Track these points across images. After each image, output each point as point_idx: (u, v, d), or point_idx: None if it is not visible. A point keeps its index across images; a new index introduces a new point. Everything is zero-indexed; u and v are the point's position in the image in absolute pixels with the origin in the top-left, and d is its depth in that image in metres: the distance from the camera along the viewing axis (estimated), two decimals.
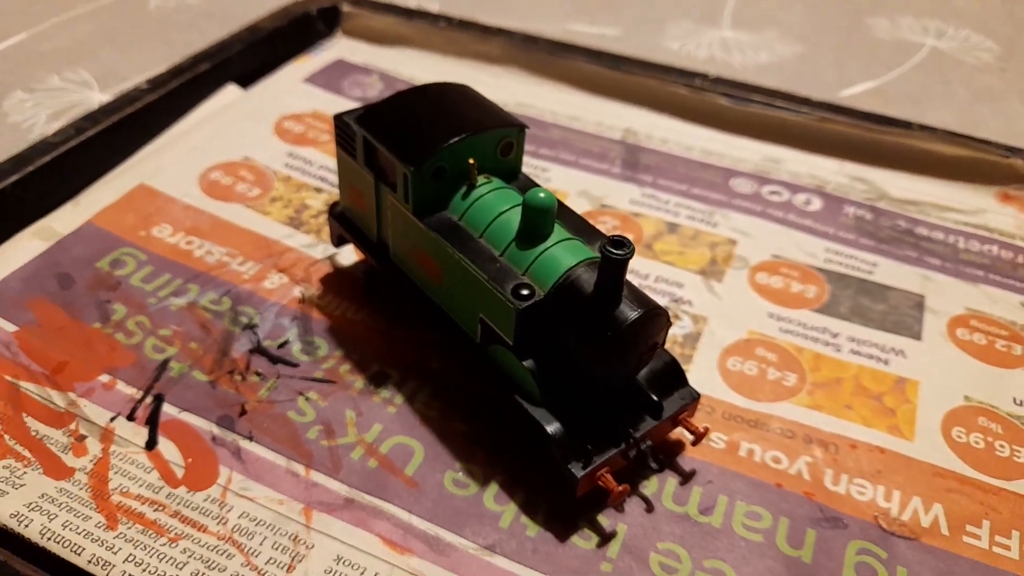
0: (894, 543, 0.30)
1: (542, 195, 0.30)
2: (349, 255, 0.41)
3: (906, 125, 0.49)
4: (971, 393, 0.36)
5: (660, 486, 0.32)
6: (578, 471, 0.29)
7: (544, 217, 0.30)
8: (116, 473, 0.31)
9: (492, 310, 0.30)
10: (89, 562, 0.28)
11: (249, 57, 0.54)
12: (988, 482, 0.32)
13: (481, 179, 0.33)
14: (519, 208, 0.32)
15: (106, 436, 0.32)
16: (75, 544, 0.28)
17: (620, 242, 0.27)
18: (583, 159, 0.49)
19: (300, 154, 0.48)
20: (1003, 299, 0.41)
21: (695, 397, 0.32)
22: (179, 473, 0.31)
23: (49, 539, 0.28)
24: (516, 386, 0.31)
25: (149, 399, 0.33)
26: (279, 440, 0.32)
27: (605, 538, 0.30)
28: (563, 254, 0.30)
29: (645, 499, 0.31)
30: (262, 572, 0.28)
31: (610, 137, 0.51)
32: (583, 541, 0.30)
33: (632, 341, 0.29)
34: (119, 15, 0.63)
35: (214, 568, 0.28)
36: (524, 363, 0.30)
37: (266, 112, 0.51)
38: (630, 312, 0.28)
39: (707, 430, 0.32)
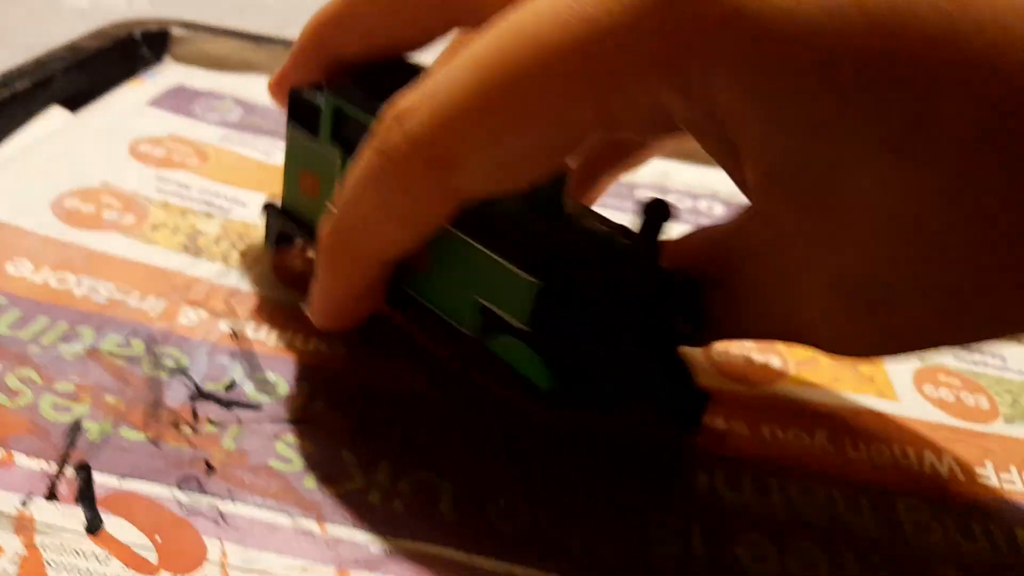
0: None
1: None
2: (274, 281, 0.34)
3: None
4: None
5: None
6: None
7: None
8: (56, 570, 0.21)
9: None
10: None
11: (73, 78, 0.45)
12: None
13: None
14: None
15: (23, 525, 0.22)
16: None
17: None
18: None
19: (172, 178, 0.40)
20: None
21: None
22: (150, 557, 0.22)
23: None
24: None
25: (69, 471, 0.24)
26: (271, 495, 0.25)
27: None
28: None
29: None
30: None
31: None
32: None
33: None
34: None
35: None
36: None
37: (114, 134, 0.42)
38: None
39: None
